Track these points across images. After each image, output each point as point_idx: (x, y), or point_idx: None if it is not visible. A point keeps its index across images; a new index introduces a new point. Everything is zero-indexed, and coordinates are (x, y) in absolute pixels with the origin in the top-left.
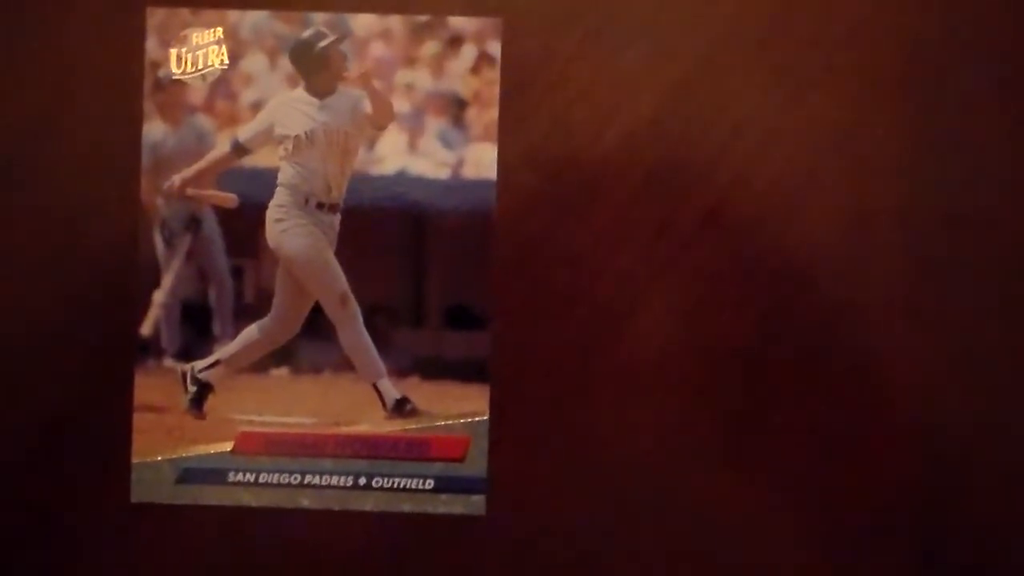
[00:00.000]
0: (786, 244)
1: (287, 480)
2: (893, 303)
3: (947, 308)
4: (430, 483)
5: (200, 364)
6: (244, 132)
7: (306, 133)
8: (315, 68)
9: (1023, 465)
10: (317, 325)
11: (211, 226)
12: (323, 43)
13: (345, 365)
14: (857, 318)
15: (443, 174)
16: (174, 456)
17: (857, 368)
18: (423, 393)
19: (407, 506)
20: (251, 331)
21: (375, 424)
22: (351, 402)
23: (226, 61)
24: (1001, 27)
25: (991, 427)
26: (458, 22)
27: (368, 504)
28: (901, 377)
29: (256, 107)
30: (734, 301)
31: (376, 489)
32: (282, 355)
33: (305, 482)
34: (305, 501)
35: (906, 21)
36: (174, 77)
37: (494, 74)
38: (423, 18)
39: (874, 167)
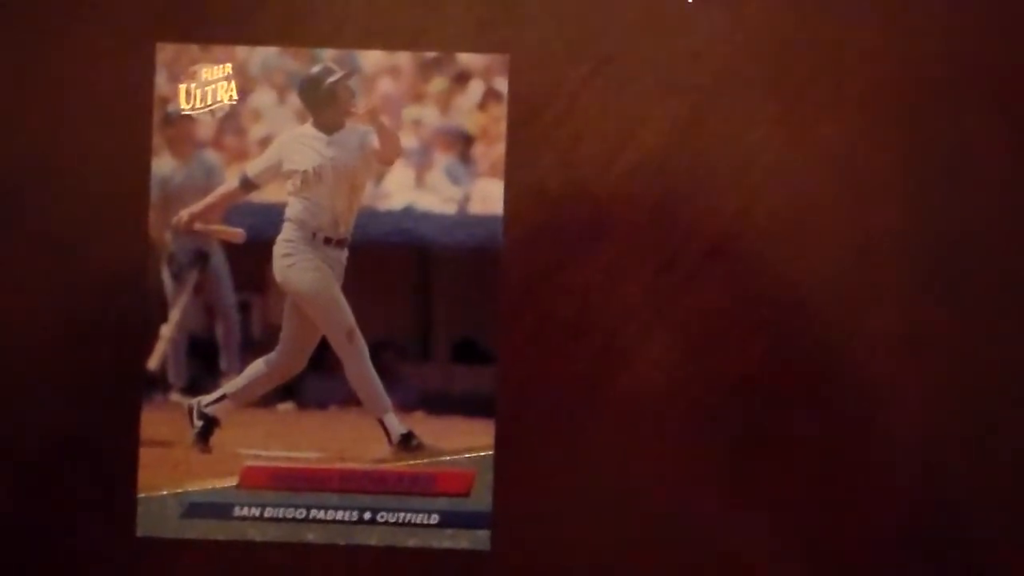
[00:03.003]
0: (791, 275)
1: (292, 515)
2: (897, 331)
3: (950, 335)
4: (435, 518)
5: (206, 399)
6: (252, 167)
7: (314, 168)
8: (323, 104)
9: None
10: (323, 360)
11: (218, 261)
12: (331, 79)
13: (351, 400)
14: (861, 346)
15: (450, 209)
16: (179, 490)
17: (861, 396)
18: (428, 428)
19: (412, 541)
20: (258, 365)
21: (380, 459)
22: (357, 437)
23: (235, 97)
24: (1002, 58)
25: (993, 452)
26: (465, 58)
27: (373, 539)
28: (905, 404)
29: (264, 142)
30: (739, 332)
31: (381, 524)
32: (288, 390)
33: (311, 516)
34: (311, 535)
35: (909, 54)
36: (183, 112)
37: (501, 110)
38: (431, 54)
39: (877, 198)
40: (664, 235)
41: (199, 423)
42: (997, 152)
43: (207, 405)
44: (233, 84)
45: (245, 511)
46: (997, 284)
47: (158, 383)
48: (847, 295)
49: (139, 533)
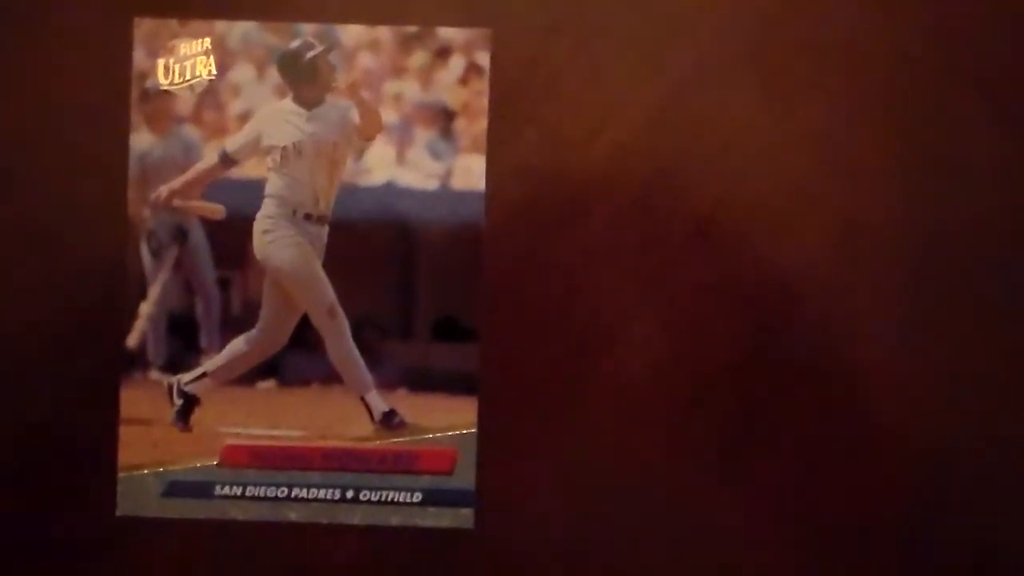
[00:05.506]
0: (776, 257)
1: (274, 493)
2: (882, 315)
3: (936, 320)
4: (418, 496)
5: (186, 377)
6: (232, 143)
7: (294, 144)
8: (303, 79)
9: (1011, 478)
10: (305, 337)
11: (198, 237)
12: (311, 54)
13: (333, 378)
14: (846, 330)
15: (431, 185)
16: (160, 469)
17: (846, 380)
18: (411, 406)
19: (395, 519)
20: (238, 343)
21: (363, 437)
22: (339, 415)
23: (214, 71)
24: (987, 40)
25: (980, 439)
26: (447, 33)
27: (356, 517)
28: (890, 389)
29: (244, 118)
30: (724, 314)
31: (364, 502)
32: (269, 367)
33: (292, 495)
34: (292, 514)
35: (894, 34)
36: (161, 88)
37: (483, 85)
38: (412, 29)
39: (863, 180)
40: (648, 214)
41: (179, 401)
42: (982, 134)
43: (187, 383)
44: (212, 59)
45: (226, 490)
46: (984, 264)
47: (137, 361)
48: (833, 276)
49: (119, 512)
